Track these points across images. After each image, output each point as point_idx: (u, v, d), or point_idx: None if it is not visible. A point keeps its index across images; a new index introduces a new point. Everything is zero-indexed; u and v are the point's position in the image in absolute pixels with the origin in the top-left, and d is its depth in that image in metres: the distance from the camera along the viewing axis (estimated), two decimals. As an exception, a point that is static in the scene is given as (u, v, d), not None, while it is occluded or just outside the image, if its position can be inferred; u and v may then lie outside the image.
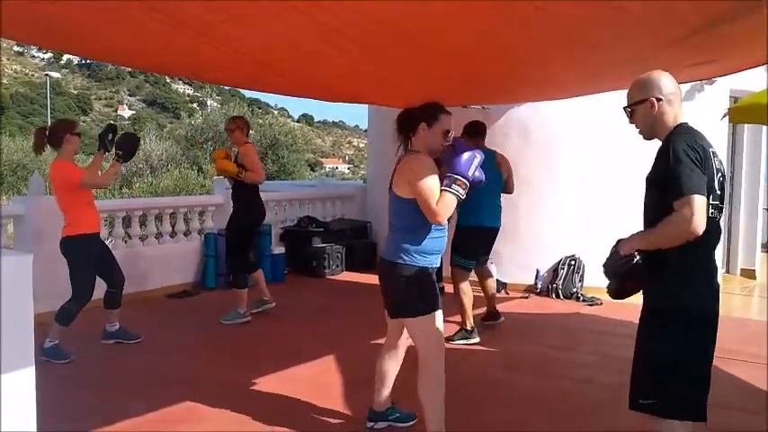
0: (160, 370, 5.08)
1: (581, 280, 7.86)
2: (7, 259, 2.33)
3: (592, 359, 5.54)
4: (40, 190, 6.76)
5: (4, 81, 79.10)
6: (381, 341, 5.83)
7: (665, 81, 2.89)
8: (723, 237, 8.98)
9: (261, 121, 31.95)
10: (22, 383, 2.41)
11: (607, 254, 2.90)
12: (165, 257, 7.82)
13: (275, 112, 70.02)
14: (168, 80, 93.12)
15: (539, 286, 8.03)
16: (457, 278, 6.00)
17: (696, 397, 2.83)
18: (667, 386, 2.79)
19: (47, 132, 5.34)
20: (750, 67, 4.99)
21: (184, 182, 21.07)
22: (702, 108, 7.84)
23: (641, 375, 2.90)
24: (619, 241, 2.86)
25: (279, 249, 8.74)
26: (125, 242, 7.72)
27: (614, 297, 2.98)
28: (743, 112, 6.19)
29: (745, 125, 8.99)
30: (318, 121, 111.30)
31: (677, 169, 2.63)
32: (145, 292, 7.40)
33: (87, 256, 5.29)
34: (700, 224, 2.55)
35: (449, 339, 5.97)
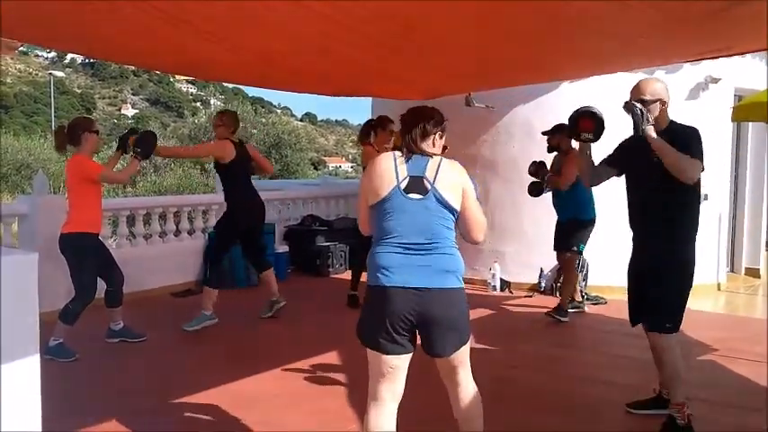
0: (164, 368, 5.10)
1: (585, 279, 7.84)
2: (12, 258, 2.33)
3: (596, 358, 5.54)
4: (45, 189, 6.77)
5: (8, 80, 79.25)
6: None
7: (664, 86, 3.90)
8: (727, 235, 9.00)
9: (264, 120, 32.03)
10: (27, 382, 2.41)
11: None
12: (169, 256, 7.84)
13: (278, 111, 70.11)
14: (171, 79, 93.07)
15: (543, 285, 8.01)
16: (574, 263, 6.77)
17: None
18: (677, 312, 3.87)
19: (66, 130, 5.38)
20: (756, 51, 4.96)
21: (188, 181, 21.15)
22: (707, 106, 7.83)
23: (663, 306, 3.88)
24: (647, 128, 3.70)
25: (282, 248, 8.76)
26: (129, 241, 7.74)
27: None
28: (745, 110, 6.19)
29: (750, 123, 8.97)
30: (322, 120, 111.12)
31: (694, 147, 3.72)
32: (149, 290, 7.41)
33: (86, 256, 5.29)
34: (698, 176, 3.75)
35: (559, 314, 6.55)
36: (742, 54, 5.16)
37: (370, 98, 9.89)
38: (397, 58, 4.84)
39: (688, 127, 3.87)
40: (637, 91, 3.88)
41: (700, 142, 3.75)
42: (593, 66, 5.56)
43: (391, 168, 2.91)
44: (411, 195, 2.86)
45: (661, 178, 3.71)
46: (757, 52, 5.25)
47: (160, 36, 4.08)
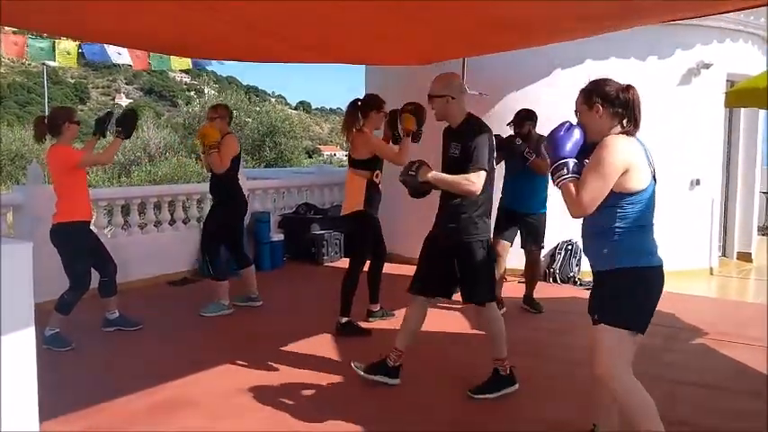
0: (160, 357, 5.12)
1: (578, 264, 7.89)
2: (7, 248, 2.34)
3: (588, 342, 5.56)
4: (39, 179, 6.77)
5: (1, 70, 78.63)
6: (378, 326, 5.84)
7: (457, 83, 4.22)
8: (719, 220, 9.04)
9: (258, 108, 31.92)
10: (24, 371, 2.43)
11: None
12: (164, 245, 7.85)
13: (272, 99, 69.83)
14: (165, 68, 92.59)
15: (536, 271, 8.05)
16: (540, 258, 6.97)
17: None
18: None
19: (46, 121, 5.36)
20: (749, 7, 4.90)
21: (182, 170, 21.05)
22: (699, 92, 7.85)
23: None
24: (421, 166, 3.94)
25: (277, 236, 8.77)
26: (124, 230, 7.75)
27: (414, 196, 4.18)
28: (739, 96, 6.19)
29: (742, 109, 9.00)
30: (316, 108, 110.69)
31: (476, 148, 3.96)
32: (145, 279, 7.43)
33: (79, 245, 5.30)
34: (479, 189, 3.94)
35: None
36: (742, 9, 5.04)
37: (363, 83, 9.90)
38: (393, 17, 4.67)
39: (481, 129, 4.10)
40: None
41: (486, 143, 4.02)
42: (591, 24, 5.29)
43: (643, 155, 2.93)
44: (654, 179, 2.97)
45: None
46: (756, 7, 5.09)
47: (155, 11, 4.02)
